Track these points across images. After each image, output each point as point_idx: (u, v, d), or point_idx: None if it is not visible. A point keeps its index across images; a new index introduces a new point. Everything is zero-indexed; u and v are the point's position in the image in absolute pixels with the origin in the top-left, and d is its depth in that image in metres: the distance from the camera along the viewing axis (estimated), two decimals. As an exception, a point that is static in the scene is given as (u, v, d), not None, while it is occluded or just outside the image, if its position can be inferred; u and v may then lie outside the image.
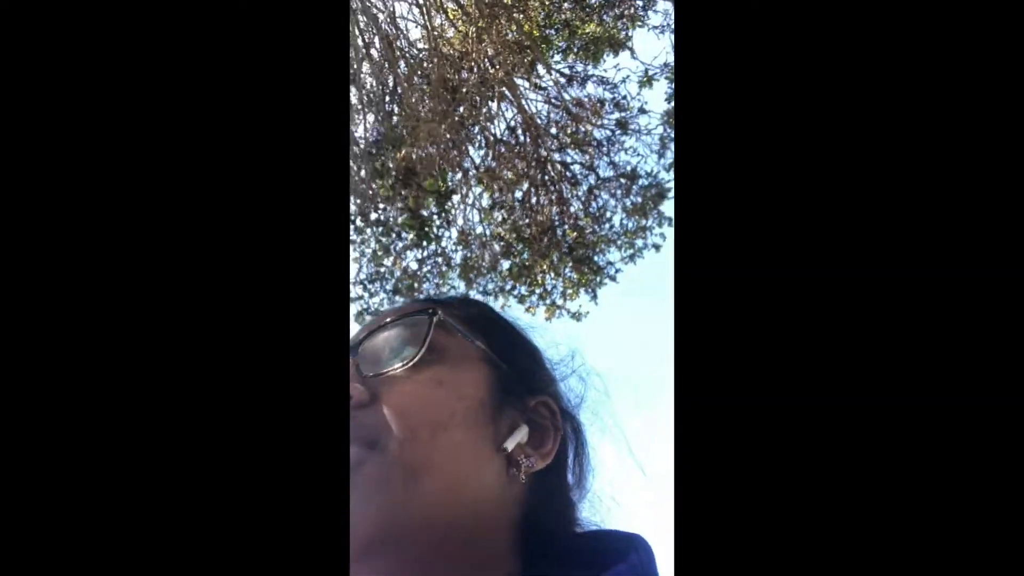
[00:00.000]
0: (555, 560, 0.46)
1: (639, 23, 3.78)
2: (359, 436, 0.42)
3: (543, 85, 3.97)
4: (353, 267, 4.28)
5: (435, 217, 4.23)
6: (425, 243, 4.20)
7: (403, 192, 3.89)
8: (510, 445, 0.46)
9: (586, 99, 3.97)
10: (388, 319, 0.49)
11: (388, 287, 4.36)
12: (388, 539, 0.41)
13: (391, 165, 3.76)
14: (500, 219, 4.15)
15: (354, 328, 0.52)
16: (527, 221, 3.98)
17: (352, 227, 4.07)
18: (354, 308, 4.20)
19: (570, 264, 4.09)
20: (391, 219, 4.11)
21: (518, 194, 4.09)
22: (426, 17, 3.63)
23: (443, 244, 4.29)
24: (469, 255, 4.24)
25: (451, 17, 3.77)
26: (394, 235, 4.20)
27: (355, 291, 4.31)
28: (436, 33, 3.70)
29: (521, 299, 4.32)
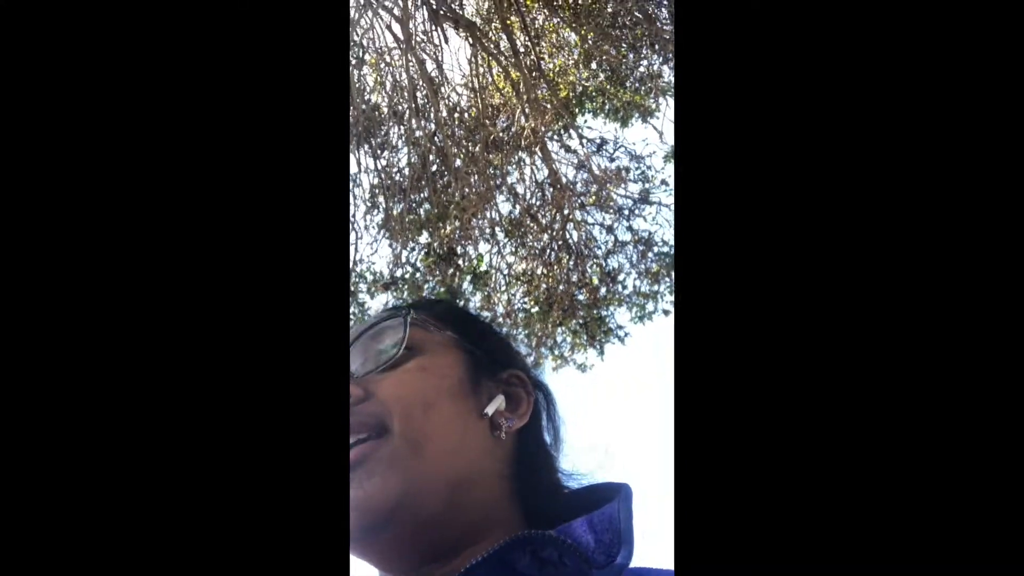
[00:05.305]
0: (545, 504, 0.55)
1: (668, 93, 4.00)
2: (366, 426, 0.50)
3: (573, 148, 4.17)
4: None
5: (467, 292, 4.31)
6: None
7: (441, 269, 4.00)
8: (490, 411, 0.56)
9: (612, 167, 4.16)
10: (369, 325, 0.57)
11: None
12: (406, 503, 0.48)
13: (435, 245, 3.89)
14: (522, 291, 4.21)
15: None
16: (543, 288, 4.02)
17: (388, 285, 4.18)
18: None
19: (581, 321, 4.10)
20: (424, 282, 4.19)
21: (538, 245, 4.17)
22: (474, 61, 3.88)
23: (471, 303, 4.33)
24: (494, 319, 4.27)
25: (495, 79, 4.03)
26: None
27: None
28: (480, 83, 3.94)
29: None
